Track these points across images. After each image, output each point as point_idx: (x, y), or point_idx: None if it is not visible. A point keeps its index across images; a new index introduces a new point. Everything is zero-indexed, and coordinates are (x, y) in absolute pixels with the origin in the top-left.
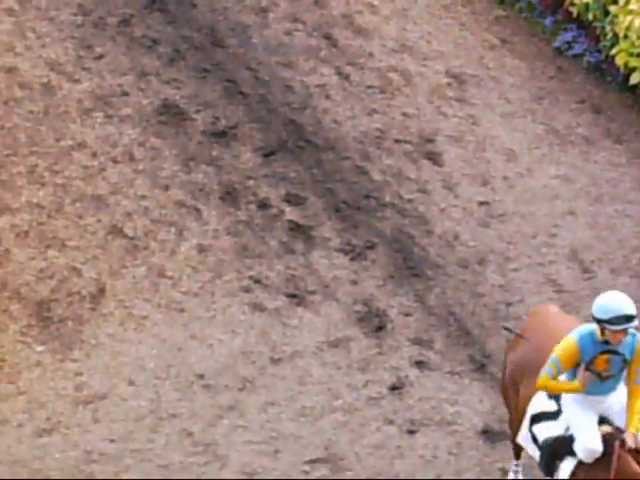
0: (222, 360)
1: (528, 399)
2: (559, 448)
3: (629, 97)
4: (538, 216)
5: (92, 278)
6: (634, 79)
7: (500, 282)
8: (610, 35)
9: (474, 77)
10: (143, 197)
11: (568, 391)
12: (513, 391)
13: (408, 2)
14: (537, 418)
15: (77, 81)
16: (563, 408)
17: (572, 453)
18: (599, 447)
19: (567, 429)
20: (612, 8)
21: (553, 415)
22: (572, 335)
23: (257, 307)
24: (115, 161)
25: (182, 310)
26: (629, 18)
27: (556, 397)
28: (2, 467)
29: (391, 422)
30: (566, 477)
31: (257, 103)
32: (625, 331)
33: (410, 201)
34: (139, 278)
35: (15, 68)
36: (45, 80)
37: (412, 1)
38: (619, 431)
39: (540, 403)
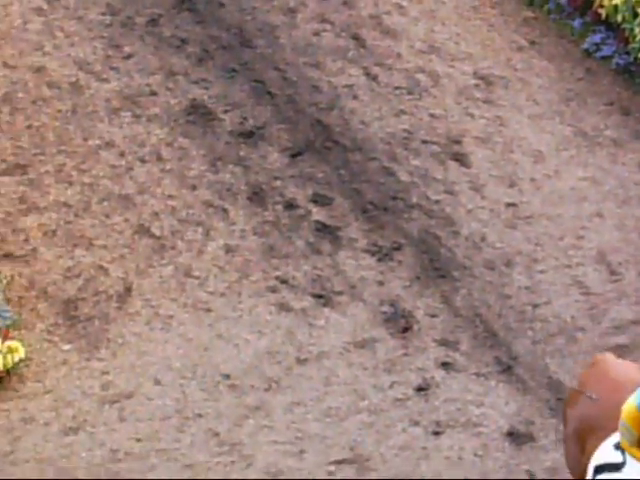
0: (248, 360)
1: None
2: None
3: None
4: (565, 218)
5: (119, 277)
6: None
7: (527, 284)
8: (639, 37)
9: (502, 78)
10: (170, 197)
11: None
12: (578, 448)
13: (436, 3)
14: (600, 469)
15: (105, 80)
16: (627, 461)
17: None
18: None
19: None
20: None
21: (617, 467)
22: (633, 399)
23: (283, 307)
24: (143, 161)
25: (208, 310)
26: None
27: (622, 448)
28: (29, 465)
29: (417, 423)
30: None
31: (285, 103)
32: None
33: (437, 202)
34: (166, 278)
35: (43, 67)
36: (73, 79)
37: (440, 2)
38: None
39: (605, 454)
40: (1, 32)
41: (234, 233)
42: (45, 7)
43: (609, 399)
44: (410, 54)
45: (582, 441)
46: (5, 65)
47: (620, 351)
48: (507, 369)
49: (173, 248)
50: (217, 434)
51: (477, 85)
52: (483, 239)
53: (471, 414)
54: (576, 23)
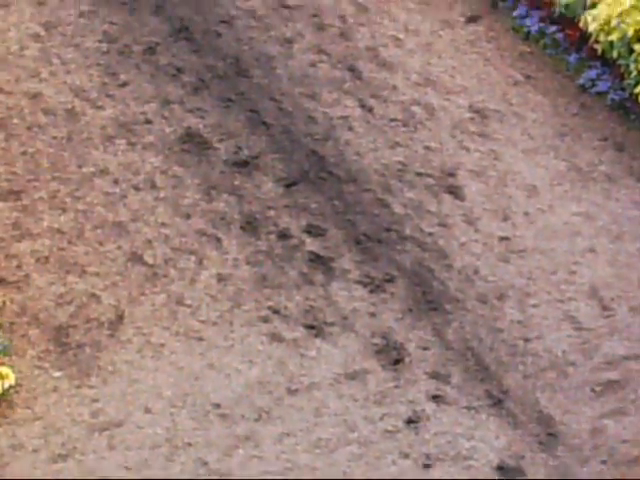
0: (239, 390)
1: None
2: None
3: None
4: (558, 253)
5: (111, 305)
6: None
7: (519, 318)
8: (634, 73)
9: (497, 112)
10: (164, 225)
11: None
12: None
13: (433, 36)
14: None
15: (101, 108)
16: None
17: None
18: None
19: None
20: (637, 46)
21: None
22: None
23: (275, 337)
24: (137, 188)
25: (200, 339)
26: None
27: None
28: None
29: (407, 456)
30: None
31: (280, 133)
32: None
33: (430, 235)
34: (158, 306)
35: (40, 94)
36: (69, 106)
37: (437, 35)
38: None
39: None
40: None
41: (227, 262)
42: (42, 34)
43: None
44: (406, 86)
45: None
46: (1, 91)
47: (612, 387)
48: (498, 403)
49: (166, 276)
50: (206, 463)
51: (472, 118)
52: (476, 272)
53: (461, 447)
54: (572, 58)
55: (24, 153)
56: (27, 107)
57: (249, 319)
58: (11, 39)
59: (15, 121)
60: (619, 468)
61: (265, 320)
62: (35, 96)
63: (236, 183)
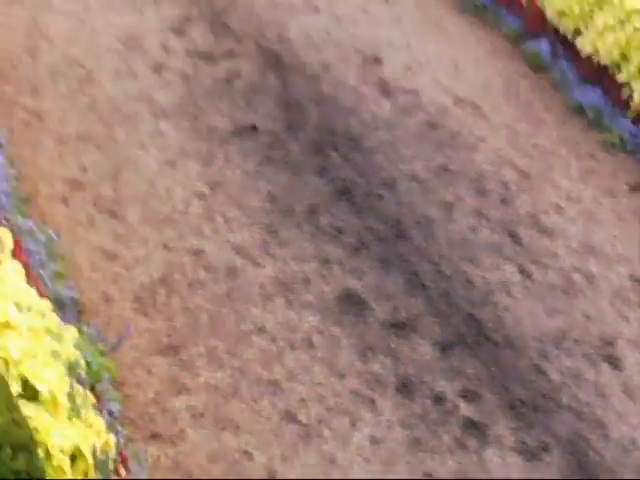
0: None
1: None
2: None
3: None
4: None
5: (263, 463)
6: None
7: None
8: None
9: None
10: (319, 384)
11: None
12: None
13: (595, 204)
14: None
15: (261, 266)
16: None
17: None
18: None
19: None
20: None
21: None
22: None
23: None
24: (293, 347)
25: None
26: None
27: None
28: None
29: None
30: None
31: (438, 296)
32: None
33: (587, 404)
34: (310, 466)
35: (202, 251)
36: (230, 264)
37: (599, 203)
38: None
39: None
40: (163, 215)
41: (381, 424)
42: (207, 193)
43: None
44: (566, 254)
45: None
46: (165, 247)
47: None
48: None
49: (319, 436)
50: None
51: (632, 288)
52: (633, 443)
53: None
54: None
55: (184, 309)
56: (189, 263)
57: None
58: (177, 197)
59: (177, 277)
60: None
61: None
62: (197, 253)
63: (392, 345)
